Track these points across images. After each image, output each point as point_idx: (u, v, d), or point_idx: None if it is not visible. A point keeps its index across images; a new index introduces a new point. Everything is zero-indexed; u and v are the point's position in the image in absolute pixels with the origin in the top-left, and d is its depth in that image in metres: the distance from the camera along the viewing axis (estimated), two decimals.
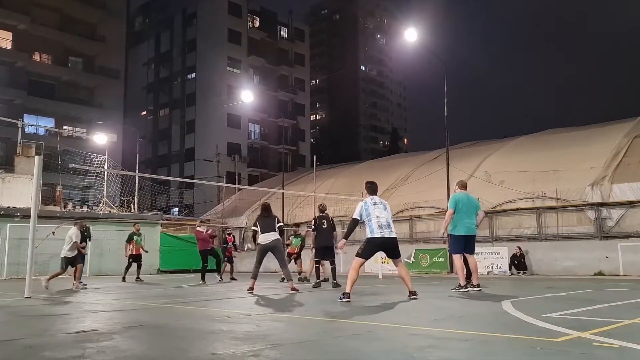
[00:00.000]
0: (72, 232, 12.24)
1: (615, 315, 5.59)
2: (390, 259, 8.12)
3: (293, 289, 9.59)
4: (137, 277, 16.06)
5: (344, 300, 7.17)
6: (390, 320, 5.34)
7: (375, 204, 7.57)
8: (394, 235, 7.54)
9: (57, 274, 12.13)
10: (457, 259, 8.90)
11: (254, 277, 9.80)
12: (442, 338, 4.10)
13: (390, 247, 7.61)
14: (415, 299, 7.40)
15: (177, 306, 7.43)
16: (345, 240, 8.05)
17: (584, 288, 10.23)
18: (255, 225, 9.94)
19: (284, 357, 3.39)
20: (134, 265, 16.30)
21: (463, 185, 9.22)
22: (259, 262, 9.87)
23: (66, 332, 4.72)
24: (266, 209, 10.01)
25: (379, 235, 7.37)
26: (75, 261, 12.25)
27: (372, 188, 7.90)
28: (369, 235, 7.47)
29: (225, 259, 16.91)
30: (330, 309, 6.68)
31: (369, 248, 7.52)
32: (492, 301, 7.39)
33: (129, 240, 16.24)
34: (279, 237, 9.74)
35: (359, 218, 7.52)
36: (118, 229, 22.37)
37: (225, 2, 52.89)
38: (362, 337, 4.23)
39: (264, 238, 9.64)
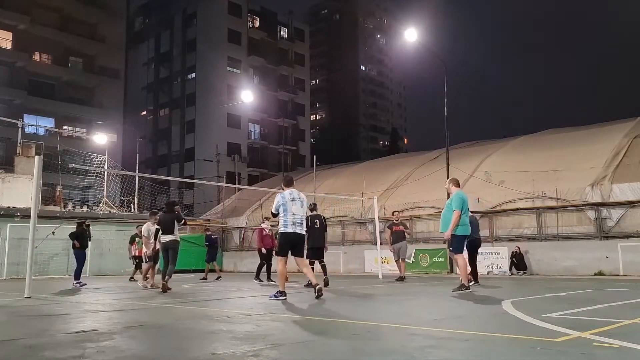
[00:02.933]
0: (143, 228, 12.59)
1: (615, 315, 5.59)
2: (295, 256, 8.03)
3: (164, 287, 10.08)
4: (131, 277, 16.24)
5: (279, 298, 7.47)
6: (390, 320, 5.34)
7: (293, 199, 7.67)
8: (304, 232, 7.80)
9: (147, 270, 12.41)
10: (462, 258, 8.97)
11: (170, 275, 10.50)
12: (442, 338, 4.10)
13: (299, 244, 7.80)
14: (321, 296, 7.55)
15: (177, 306, 7.43)
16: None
17: (584, 288, 10.22)
18: (159, 223, 10.70)
19: (284, 357, 3.39)
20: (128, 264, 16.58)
21: (458, 183, 9.26)
22: (166, 260, 10.64)
23: (66, 332, 4.72)
24: (168, 204, 11.23)
25: (292, 231, 7.57)
26: (147, 258, 12.45)
27: (287, 180, 8.07)
28: (282, 230, 7.64)
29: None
30: (330, 309, 6.68)
31: (284, 244, 7.69)
32: (492, 301, 7.40)
33: (132, 241, 16.21)
34: (175, 238, 10.65)
35: (277, 212, 7.69)
36: (118, 229, 22.39)
37: (225, 2, 52.88)
38: (362, 337, 4.23)
39: (163, 238, 10.65)
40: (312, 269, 11.79)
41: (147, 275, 12.24)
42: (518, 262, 17.99)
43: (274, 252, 12.72)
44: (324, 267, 11.60)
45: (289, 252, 7.81)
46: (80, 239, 13.70)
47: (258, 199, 27.97)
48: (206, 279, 16.42)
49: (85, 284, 13.24)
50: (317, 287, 7.70)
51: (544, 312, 5.57)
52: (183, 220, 11.07)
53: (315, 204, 12.34)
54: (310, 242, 11.38)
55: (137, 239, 15.97)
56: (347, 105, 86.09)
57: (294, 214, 7.58)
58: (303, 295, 9.21)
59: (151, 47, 58.03)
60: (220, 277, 16.42)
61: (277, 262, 7.91)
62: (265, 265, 13.88)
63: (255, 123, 54.42)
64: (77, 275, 13.56)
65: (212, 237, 17.79)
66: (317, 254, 11.61)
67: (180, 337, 4.35)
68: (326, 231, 12.07)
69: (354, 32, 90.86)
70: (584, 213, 17.64)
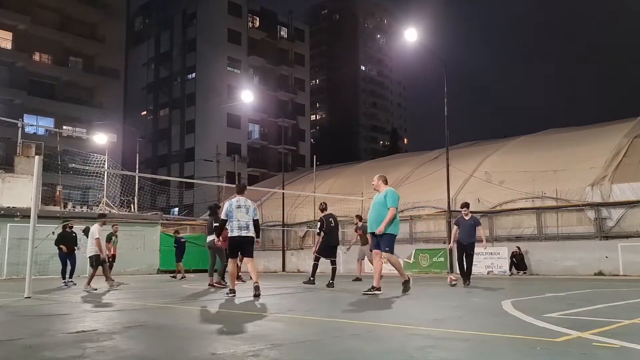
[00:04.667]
0: (94, 229, 11.69)
1: (615, 315, 5.60)
2: (244, 256, 8.93)
3: (215, 284, 11.48)
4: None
5: (229, 295, 8.32)
6: (390, 320, 5.34)
7: (239, 207, 8.46)
8: (251, 234, 8.47)
9: (93, 275, 11.60)
10: (395, 257, 8.52)
11: (212, 274, 12.05)
12: (441, 338, 4.10)
13: (245, 245, 8.52)
14: (259, 295, 8.15)
15: (177, 306, 7.43)
16: (218, 239, 9.17)
17: (584, 288, 10.23)
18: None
19: (284, 357, 3.39)
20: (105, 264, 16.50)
21: (387, 180, 8.79)
22: (213, 259, 12.29)
23: (66, 332, 4.72)
24: (211, 207, 12.65)
25: (237, 234, 8.37)
26: (96, 260, 11.67)
27: (239, 188, 8.88)
28: (229, 235, 8.47)
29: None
30: (329, 308, 6.69)
31: (233, 247, 8.58)
32: (492, 301, 7.40)
33: (108, 240, 16.17)
34: (213, 238, 11.45)
35: (226, 218, 8.47)
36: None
37: (225, 2, 52.88)
38: (361, 337, 4.23)
39: (207, 238, 12.36)
40: (316, 265, 11.84)
41: (90, 280, 11.61)
42: (518, 262, 18.00)
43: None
44: (334, 270, 11.65)
45: (239, 254, 8.80)
46: (64, 242, 13.40)
47: (258, 199, 27.98)
48: (175, 277, 17.59)
49: (66, 285, 13.26)
50: (255, 285, 8.35)
51: (544, 312, 5.57)
52: (218, 224, 11.73)
53: (325, 204, 12.49)
54: (327, 239, 11.65)
55: (113, 238, 15.96)
56: (347, 105, 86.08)
57: (238, 219, 8.37)
58: (302, 295, 9.22)
59: (151, 47, 58.01)
60: (184, 277, 17.35)
61: (229, 263, 8.90)
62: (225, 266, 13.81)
63: (255, 123, 54.42)
64: (63, 275, 13.73)
65: (181, 240, 18.74)
66: (332, 252, 11.78)
67: (180, 337, 4.35)
68: (339, 229, 12.32)
69: (354, 32, 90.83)
70: (584, 213, 17.66)
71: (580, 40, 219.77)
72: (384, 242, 8.36)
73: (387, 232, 8.30)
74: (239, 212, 8.39)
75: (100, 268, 11.86)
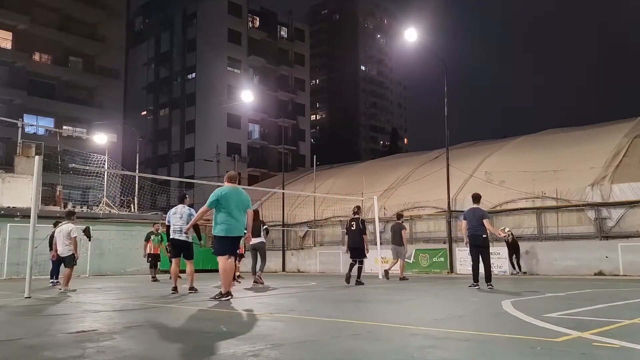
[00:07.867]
0: (72, 228, 10.87)
1: (615, 315, 5.60)
2: (185, 257, 10.15)
3: (256, 281, 12.17)
4: (154, 278, 15.84)
5: (173, 292, 9.41)
6: (390, 320, 5.34)
7: (174, 214, 9.96)
8: (183, 238, 9.75)
9: (69, 275, 10.85)
10: (223, 261, 7.67)
11: (262, 269, 12.68)
12: (442, 338, 4.10)
13: (182, 247, 9.93)
14: (194, 291, 9.49)
15: (177, 306, 7.43)
16: (168, 243, 10.35)
17: (584, 288, 10.23)
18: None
19: (284, 357, 3.39)
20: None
21: (231, 178, 8.15)
22: (255, 259, 12.85)
23: (66, 332, 4.72)
24: (255, 212, 12.77)
25: (172, 237, 9.94)
26: (75, 261, 10.93)
27: (179, 198, 10.35)
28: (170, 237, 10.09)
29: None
30: (330, 308, 6.69)
31: (172, 248, 10.13)
32: (492, 301, 7.40)
33: (147, 239, 16.27)
34: (262, 240, 12.70)
35: (168, 224, 9.99)
36: (118, 229, 22.40)
37: (225, 2, 52.85)
38: (362, 337, 4.23)
39: (253, 240, 12.49)
40: (351, 264, 12.32)
41: (68, 281, 10.84)
42: (513, 246, 17.75)
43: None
44: (359, 269, 12.24)
45: (181, 254, 10.04)
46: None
47: (258, 199, 27.99)
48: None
49: (53, 285, 13.38)
50: (173, 288, 9.77)
51: (544, 312, 5.57)
52: (266, 227, 13.19)
53: (358, 207, 12.99)
54: (349, 242, 12.48)
55: (152, 237, 16.21)
56: (347, 105, 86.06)
57: (174, 224, 9.85)
58: (302, 295, 9.22)
59: (151, 47, 57.98)
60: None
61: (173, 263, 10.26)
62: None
63: (255, 123, 54.39)
64: (52, 275, 14.34)
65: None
66: (354, 253, 12.36)
67: (180, 337, 4.35)
68: (365, 234, 12.37)
69: (354, 32, 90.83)
70: (584, 213, 17.65)
71: (580, 39, 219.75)
72: (214, 244, 7.99)
73: (214, 233, 7.73)
74: (174, 218, 9.89)
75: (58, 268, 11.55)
